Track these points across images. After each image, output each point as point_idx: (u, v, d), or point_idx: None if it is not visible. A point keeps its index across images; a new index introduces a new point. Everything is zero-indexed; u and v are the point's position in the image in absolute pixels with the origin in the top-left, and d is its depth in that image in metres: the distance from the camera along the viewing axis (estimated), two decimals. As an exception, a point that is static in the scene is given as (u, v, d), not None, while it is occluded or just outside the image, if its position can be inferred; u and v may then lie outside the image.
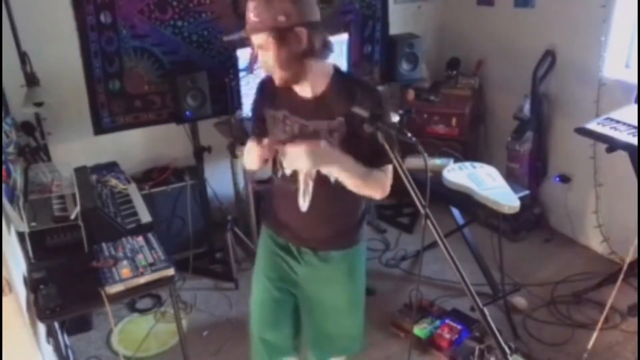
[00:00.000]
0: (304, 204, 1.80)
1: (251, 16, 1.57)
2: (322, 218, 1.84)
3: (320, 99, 1.70)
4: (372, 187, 1.69)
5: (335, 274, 1.94)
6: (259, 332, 2.02)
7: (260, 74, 3.10)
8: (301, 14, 1.57)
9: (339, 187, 1.69)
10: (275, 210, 1.95)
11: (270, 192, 2.00)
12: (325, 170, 1.65)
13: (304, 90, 1.71)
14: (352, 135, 1.65)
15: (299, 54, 1.61)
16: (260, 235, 2.05)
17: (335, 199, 1.78)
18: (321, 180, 1.73)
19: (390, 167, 1.70)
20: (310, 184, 1.76)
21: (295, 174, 1.77)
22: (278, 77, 1.66)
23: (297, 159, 1.57)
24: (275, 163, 1.84)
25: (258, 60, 1.68)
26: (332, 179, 1.71)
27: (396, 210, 4.08)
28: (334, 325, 2.03)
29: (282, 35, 1.57)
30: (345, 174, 1.63)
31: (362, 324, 2.12)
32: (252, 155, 1.73)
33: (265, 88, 1.83)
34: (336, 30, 3.72)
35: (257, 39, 1.60)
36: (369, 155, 1.66)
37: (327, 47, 1.69)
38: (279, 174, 1.83)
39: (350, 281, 1.99)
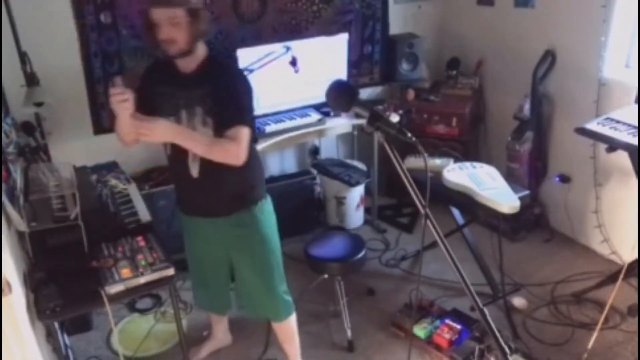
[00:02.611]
0: (194, 169, 2.10)
1: None
2: (213, 182, 2.11)
3: (197, 72, 2.04)
4: (218, 152, 1.99)
5: (239, 235, 2.23)
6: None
7: (257, 75, 3.08)
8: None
9: None
10: (180, 192, 2.31)
11: (171, 177, 2.38)
12: (170, 140, 2.00)
13: (188, 66, 2.04)
14: (214, 97, 2.01)
15: (200, 32, 1.96)
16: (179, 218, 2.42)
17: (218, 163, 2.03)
18: None
19: (242, 130, 1.99)
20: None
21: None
22: (177, 49, 1.96)
23: (148, 135, 1.90)
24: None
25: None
26: None
27: (396, 210, 4.08)
28: (247, 284, 2.34)
29: (194, 13, 1.93)
30: (189, 144, 1.98)
31: (275, 292, 2.34)
32: (118, 130, 2.09)
33: (151, 72, 2.19)
34: (336, 30, 3.73)
35: (170, 12, 1.90)
36: (222, 114, 2.01)
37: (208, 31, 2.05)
38: (168, 148, 2.17)
39: (252, 243, 2.24)
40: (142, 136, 1.91)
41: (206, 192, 2.17)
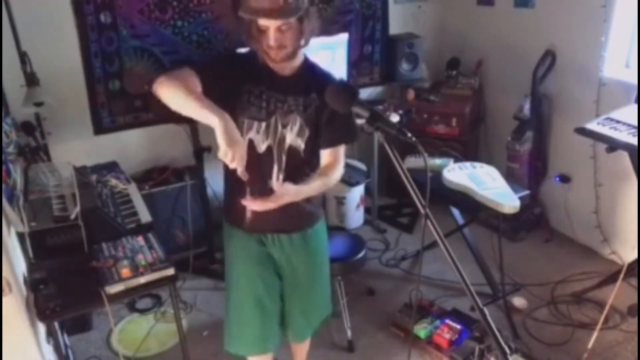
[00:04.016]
0: (276, 181, 1.89)
1: (280, 1, 1.70)
2: None
3: (296, 77, 1.88)
4: (325, 188, 1.91)
5: (308, 251, 2.09)
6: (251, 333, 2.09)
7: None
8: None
9: (307, 156, 1.90)
10: (240, 205, 1.92)
11: (230, 187, 2.06)
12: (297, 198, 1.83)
13: (284, 69, 1.86)
14: (322, 111, 1.84)
15: (309, 34, 1.81)
16: (225, 234, 2.11)
17: (304, 169, 1.90)
18: (292, 153, 1.89)
19: (342, 148, 1.92)
20: (283, 157, 1.90)
21: (269, 150, 1.90)
22: (285, 54, 1.80)
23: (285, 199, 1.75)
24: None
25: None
26: (301, 151, 1.89)
27: (396, 210, 4.08)
28: (311, 298, 2.19)
29: (305, 16, 1.77)
30: (306, 196, 1.88)
31: (328, 294, 2.28)
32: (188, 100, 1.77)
33: (237, 65, 1.95)
34: (336, 30, 3.73)
35: (281, 21, 1.73)
36: (330, 133, 1.88)
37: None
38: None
39: (320, 254, 2.15)
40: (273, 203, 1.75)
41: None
